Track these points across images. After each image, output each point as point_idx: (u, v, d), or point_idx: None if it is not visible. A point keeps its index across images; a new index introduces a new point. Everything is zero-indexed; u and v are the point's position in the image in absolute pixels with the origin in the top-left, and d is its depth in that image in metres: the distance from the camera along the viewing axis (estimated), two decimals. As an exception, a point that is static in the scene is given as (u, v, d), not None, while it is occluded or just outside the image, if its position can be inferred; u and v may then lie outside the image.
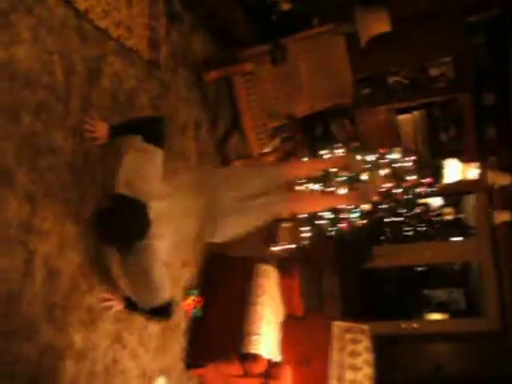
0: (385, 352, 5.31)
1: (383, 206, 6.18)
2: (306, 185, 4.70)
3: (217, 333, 3.92)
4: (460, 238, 8.22)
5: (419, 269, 9.27)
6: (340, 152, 5.29)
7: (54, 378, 2.57)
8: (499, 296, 6.98)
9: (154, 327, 3.54)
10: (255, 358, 3.75)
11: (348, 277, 7.73)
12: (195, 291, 4.06)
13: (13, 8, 2.42)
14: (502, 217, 6.47)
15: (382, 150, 6.07)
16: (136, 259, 2.55)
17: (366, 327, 4.70)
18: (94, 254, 2.90)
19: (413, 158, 6.21)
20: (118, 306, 2.98)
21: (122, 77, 3.33)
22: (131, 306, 2.93)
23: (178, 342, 3.87)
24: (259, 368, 3.77)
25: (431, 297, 9.56)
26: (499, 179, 6.25)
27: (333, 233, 5.11)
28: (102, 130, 2.88)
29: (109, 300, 2.95)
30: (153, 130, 2.75)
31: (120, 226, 2.43)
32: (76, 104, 2.85)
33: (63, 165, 2.70)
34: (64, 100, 2.75)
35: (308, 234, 5.33)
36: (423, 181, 6.26)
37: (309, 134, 6.47)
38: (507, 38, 5.98)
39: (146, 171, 2.64)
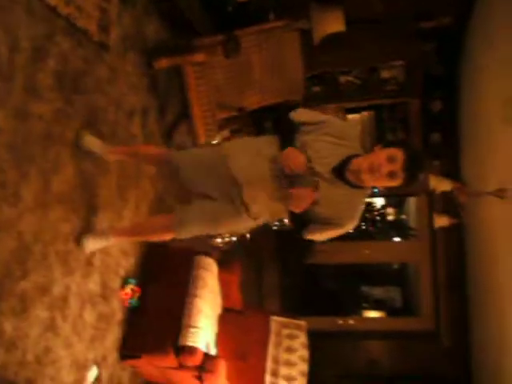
0: (321, 348, 5.36)
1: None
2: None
3: (153, 324, 3.87)
4: (400, 239, 8.39)
5: (359, 266, 9.41)
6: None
7: (-20, 367, 2.49)
8: (434, 297, 7.16)
9: (90, 316, 3.47)
10: (191, 350, 3.72)
11: (289, 272, 7.77)
12: (133, 280, 4.00)
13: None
14: (441, 221, 6.63)
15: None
16: None
17: (303, 323, 4.73)
18: (29, 238, 2.81)
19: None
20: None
21: (69, 57, 3.23)
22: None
23: (113, 331, 3.80)
24: (194, 361, 3.73)
25: (369, 294, 9.73)
26: (441, 185, 6.39)
27: (276, 227, 5.12)
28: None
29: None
30: None
31: None
32: (19, 83, 2.75)
33: (2, 146, 2.60)
34: (7, 78, 2.65)
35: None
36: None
37: (258, 127, 6.45)
38: (457, 46, 6.11)
39: None
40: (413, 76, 6.29)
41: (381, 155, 2.59)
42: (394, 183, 2.61)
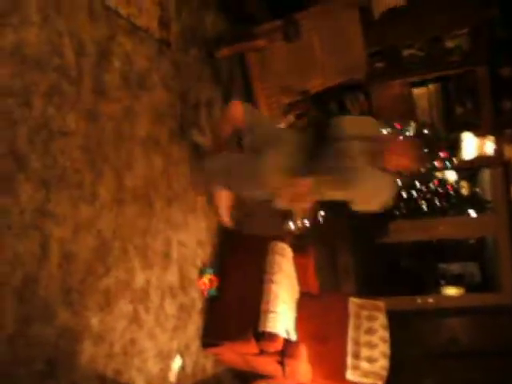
0: (401, 328, 5.30)
1: (398, 181, 6.11)
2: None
3: (233, 312, 3.92)
4: (475, 213, 8.13)
5: (434, 243, 9.20)
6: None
7: (71, 361, 2.59)
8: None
9: (170, 307, 3.55)
10: (271, 336, 3.75)
11: (363, 253, 7.70)
12: (211, 270, 4.06)
13: (21, -11, 2.38)
14: (518, 192, 6.40)
15: (397, 125, 6.00)
16: None
17: (381, 304, 4.67)
18: (108, 235, 2.90)
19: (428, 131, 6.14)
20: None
21: (133, 57, 3.30)
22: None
23: (194, 321, 3.88)
24: (275, 346, 3.76)
25: (446, 271, 9.51)
26: (516, 154, 6.17)
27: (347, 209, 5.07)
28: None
29: None
30: None
31: None
32: (88, 86, 2.82)
33: (76, 148, 2.68)
34: (76, 82, 2.73)
35: (322, 211, 5.30)
36: (439, 155, 6.19)
37: (323, 109, 6.39)
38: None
39: None
40: (478, 43, 6.07)
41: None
42: None
